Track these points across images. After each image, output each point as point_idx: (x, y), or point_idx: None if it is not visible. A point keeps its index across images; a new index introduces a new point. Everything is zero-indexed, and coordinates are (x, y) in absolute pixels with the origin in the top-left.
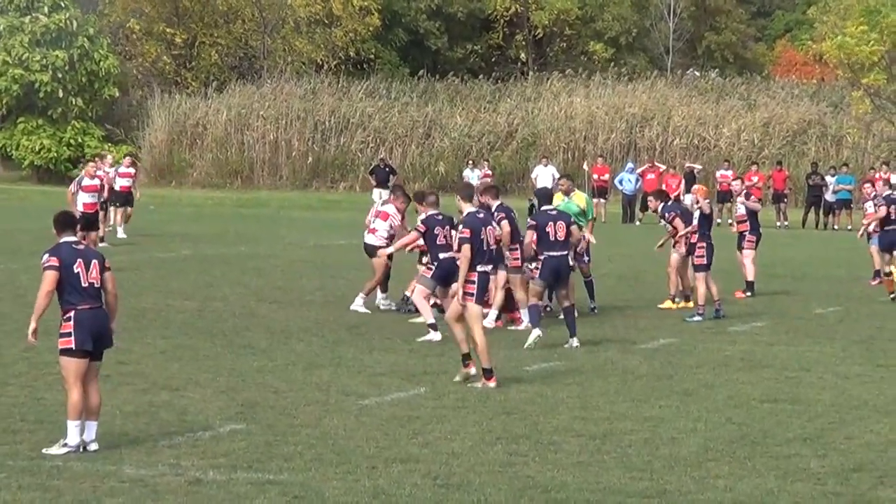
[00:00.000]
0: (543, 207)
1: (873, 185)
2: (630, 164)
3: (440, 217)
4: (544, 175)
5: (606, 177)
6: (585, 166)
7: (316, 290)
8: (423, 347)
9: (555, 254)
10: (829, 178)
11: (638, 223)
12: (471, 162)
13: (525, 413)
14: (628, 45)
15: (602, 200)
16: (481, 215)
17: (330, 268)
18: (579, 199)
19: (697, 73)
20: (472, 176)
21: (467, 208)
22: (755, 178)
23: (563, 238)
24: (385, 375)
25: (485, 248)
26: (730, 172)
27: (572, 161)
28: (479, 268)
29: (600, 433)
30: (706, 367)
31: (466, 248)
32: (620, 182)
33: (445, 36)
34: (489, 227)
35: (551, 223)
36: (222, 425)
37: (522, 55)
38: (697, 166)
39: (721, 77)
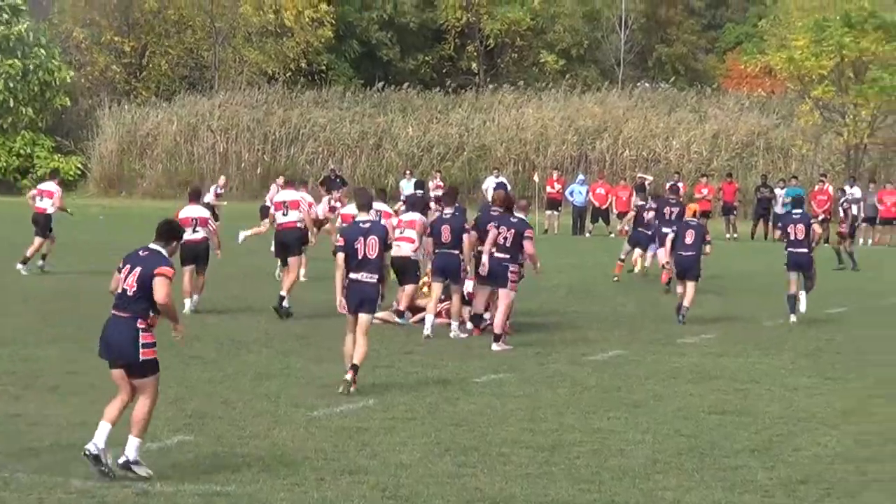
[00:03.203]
0: (790, 210)
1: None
2: (581, 177)
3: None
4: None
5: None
6: (536, 178)
7: (266, 301)
8: (371, 359)
9: (795, 250)
10: (778, 191)
11: (588, 235)
12: (408, 172)
13: (474, 424)
14: (580, 56)
15: (555, 213)
16: (366, 225)
17: (281, 278)
18: None
19: (648, 85)
20: (408, 186)
21: (360, 216)
22: (705, 191)
23: (802, 237)
24: (334, 386)
25: (359, 257)
26: (680, 184)
27: (523, 172)
28: (350, 275)
29: (549, 445)
30: (655, 378)
31: (339, 256)
32: (571, 194)
33: (398, 47)
34: (371, 237)
35: (792, 225)
36: (170, 436)
37: (474, 66)
38: (648, 177)
39: (674, 88)
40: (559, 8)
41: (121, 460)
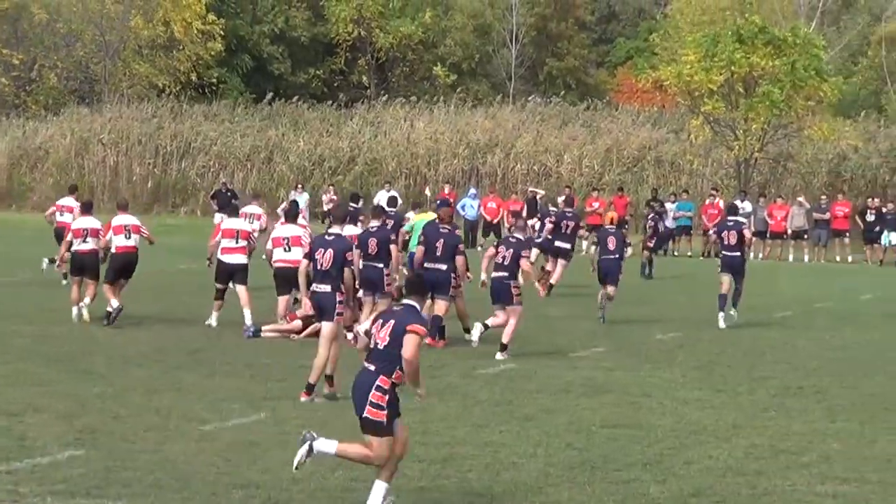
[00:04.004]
0: (726, 218)
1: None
2: (473, 190)
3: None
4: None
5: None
6: (427, 192)
7: (157, 315)
8: (264, 373)
9: (728, 254)
10: (668, 205)
11: (479, 249)
12: (299, 186)
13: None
14: (471, 70)
15: None
16: (330, 238)
17: (171, 293)
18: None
19: (539, 100)
20: (301, 199)
21: (333, 229)
22: (596, 205)
23: (735, 242)
24: (226, 401)
25: (317, 268)
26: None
27: (414, 186)
28: (312, 286)
29: (441, 458)
30: (547, 392)
31: (303, 263)
32: (463, 208)
33: (289, 61)
34: (328, 249)
35: (726, 231)
36: (61, 451)
37: (365, 79)
38: (540, 191)
39: (565, 102)
40: (450, 22)
41: None
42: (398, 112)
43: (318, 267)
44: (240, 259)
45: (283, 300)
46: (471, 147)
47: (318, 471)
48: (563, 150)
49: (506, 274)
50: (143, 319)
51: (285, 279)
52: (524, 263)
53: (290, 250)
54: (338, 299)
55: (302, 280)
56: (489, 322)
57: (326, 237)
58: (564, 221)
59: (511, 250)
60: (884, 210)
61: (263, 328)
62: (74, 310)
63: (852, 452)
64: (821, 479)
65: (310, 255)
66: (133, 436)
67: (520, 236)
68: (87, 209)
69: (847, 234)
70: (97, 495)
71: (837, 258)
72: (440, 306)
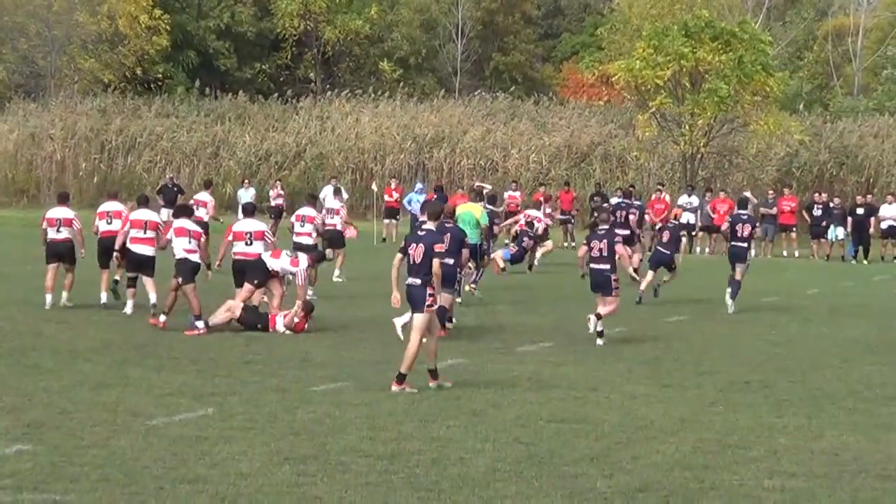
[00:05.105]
0: (739, 211)
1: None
2: (419, 185)
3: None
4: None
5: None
6: (374, 187)
7: (104, 310)
8: (210, 368)
9: (738, 244)
10: (614, 200)
11: None
12: (246, 181)
13: (313, 433)
14: (417, 65)
15: (393, 221)
16: (422, 233)
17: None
18: (475, 209)
19: (486, 95)
20: (246, 195)
21: (426, 225)
22: (542, 199)
23: (747, 234)
24: (173, 395)
25: (410, 263)
26: (518, 193)
27: (361, 181)
28: (407, 280)
29: (388, 453)
30: (494, 387)
31: (396, 256)
32: (409, 202)
33: (235, 56)
34: (420, 244)
35: (740, 224)
36: (8, 446)
37: (311, 74)
38: (487, 186)
39: (511, 97)
40: (396, 16)
41: None
42: (344, 107)
43: (411, 262)
44: (147, 250)
45: (242, 291)
46: (417, 142)
47: (265, 465)
48: (511, 145)
49: (607, 266)
50: (89, 313)
51: (242, 272)
52: (620, 248)
53: (251, 244)
54: (428, 292)
55: (394, 274)
56: (601, 311)
57: (419, 233)
58: (619, 211)
59: (605, 241)
60: (830, 205)
61: (209, 319)
62: (48, 297)
63: (799, 447)
64: (768, 473)
65: (403, 250)
66: (80, 430)
67: (606, 227)
68: (62, 200)
69: (794, 228)
70: (44, 490)
71: (784, 253)
72: (445, 298)
